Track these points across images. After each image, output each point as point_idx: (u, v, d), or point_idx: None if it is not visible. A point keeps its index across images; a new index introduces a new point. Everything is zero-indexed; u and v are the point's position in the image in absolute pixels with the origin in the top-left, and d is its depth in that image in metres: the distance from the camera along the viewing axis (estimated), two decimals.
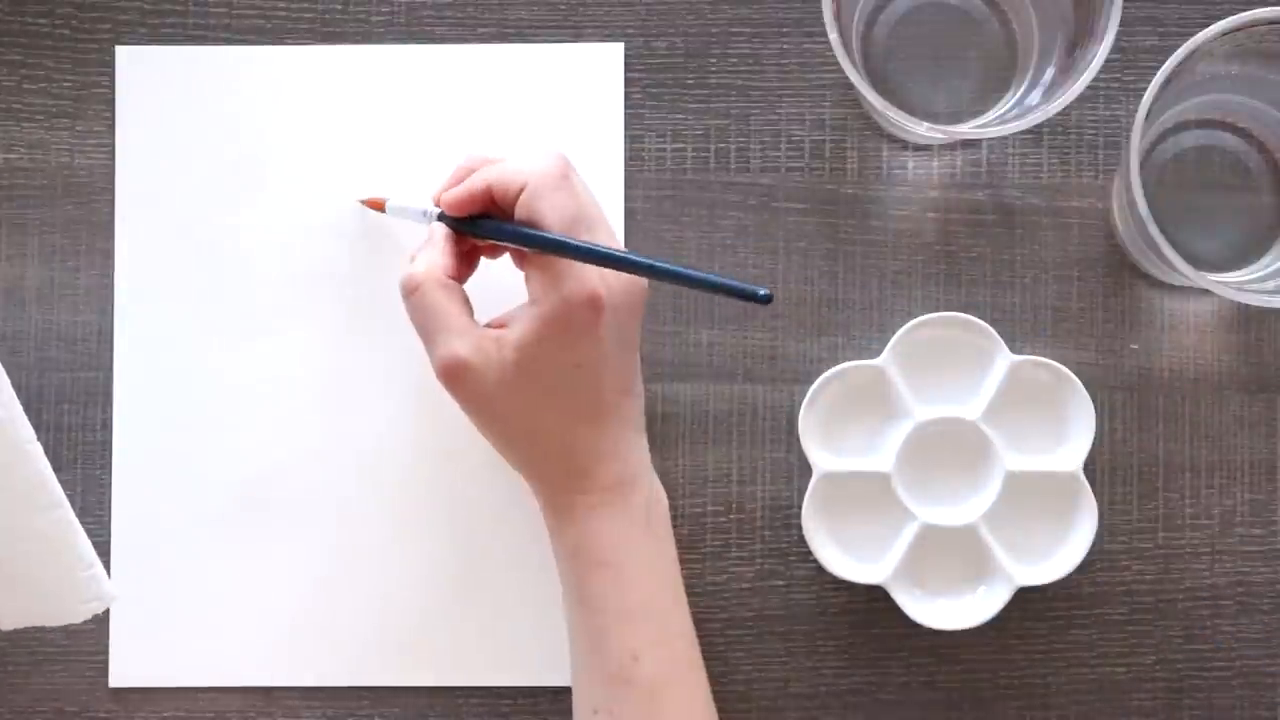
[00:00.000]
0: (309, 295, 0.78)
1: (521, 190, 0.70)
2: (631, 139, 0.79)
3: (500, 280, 0.74)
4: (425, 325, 0.71)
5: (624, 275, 0.71)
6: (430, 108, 0.78)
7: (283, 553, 0.78)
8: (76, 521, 0.74)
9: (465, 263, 0.73)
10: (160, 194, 0.79)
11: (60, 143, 0.79)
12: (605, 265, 0.69)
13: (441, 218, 0.73)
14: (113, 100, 0.79)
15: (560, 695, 0.77)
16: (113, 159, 0.79)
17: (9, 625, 0.74)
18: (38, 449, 0.73)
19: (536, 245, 0.69)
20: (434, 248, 0.72)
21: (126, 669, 0.78)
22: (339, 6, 0.79)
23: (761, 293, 0.65)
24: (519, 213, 0.70)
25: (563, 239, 0.69)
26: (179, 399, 0.78)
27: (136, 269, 0.78)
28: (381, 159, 0.78)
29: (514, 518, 0.78)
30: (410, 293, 0.71)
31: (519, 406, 0.70)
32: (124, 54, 0.79)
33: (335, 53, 0.79)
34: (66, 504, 0.74)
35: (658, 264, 0.68)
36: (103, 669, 0.78)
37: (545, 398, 0.70)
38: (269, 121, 0.79)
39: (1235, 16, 0.68)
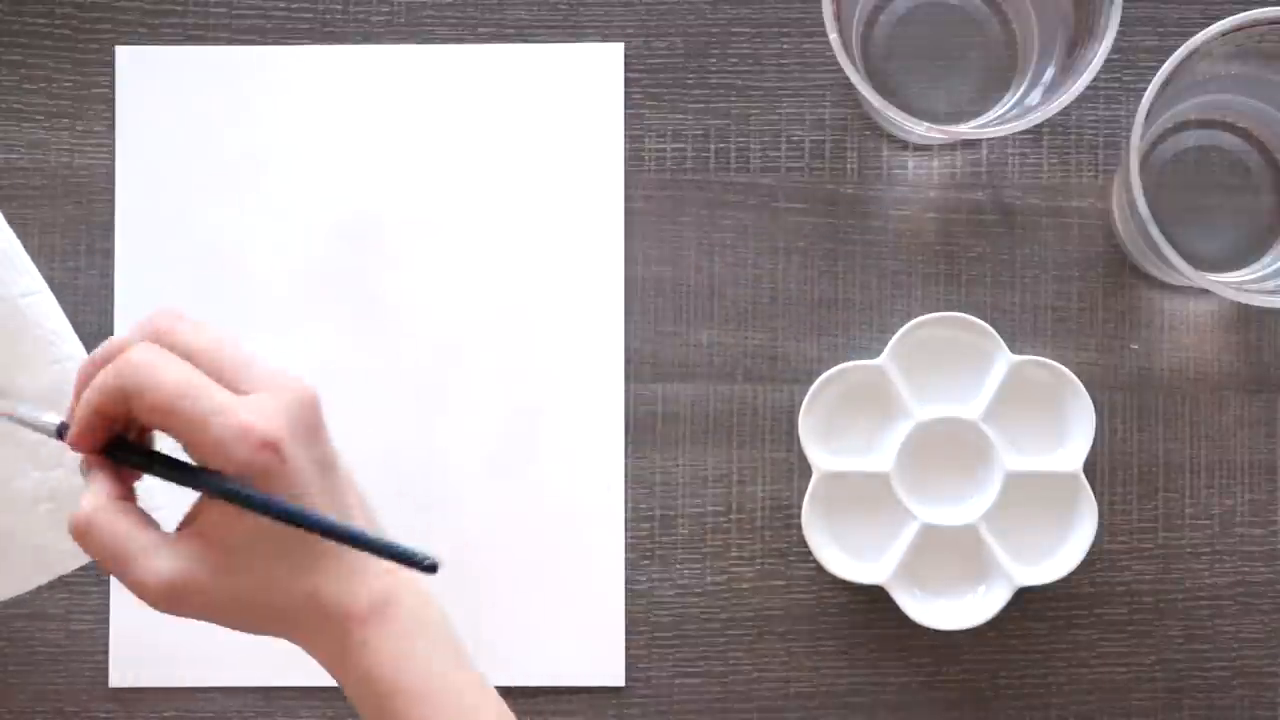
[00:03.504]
0: (309, 295, 0.78)
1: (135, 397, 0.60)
2: (631, 139, 0.79)
3: None
4: (116, 559, 0.61)
5: (289, 391, 0.62)
6: (430, 108, 0.78)
7: None
8: None
9: (127, 479, 0.64)
10: (160, 194, 0.79)
11: (60, 143, 0.79)
12: (247, 507, 0.60)
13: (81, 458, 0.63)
14: (113, 100, 0.79)
15: (560, 695, 0.77)
16: (113, 159, 0.79)
17: (74, 564, 0.73)
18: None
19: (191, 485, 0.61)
20: (94, 480, 0.62)
21: (126, 669, 0.78)
22: (339, 6, 0.79)
23: (425, 562, 0.60)
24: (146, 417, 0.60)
25: (219, 483, 0.60)
26: None
27: (136, 269, 0.78)
28: (381, 159, 0.78)
29: (513, 518, 0.78)
30: (83, 536, 0.61)
31: (247, 591, 0.62)
32: (124, 54, 0.79)
33: (335, 53, 0.79)
34: None
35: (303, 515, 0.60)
36: (103, 669, 0.78)
37: (267, 568, 0.62)
38: (269, 122, 0.79)
39: (1235, 16, 0.68)
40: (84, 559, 0.73)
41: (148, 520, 0.63)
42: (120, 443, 0.62)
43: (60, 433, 0.64)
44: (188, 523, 0.63)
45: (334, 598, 0.64)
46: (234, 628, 0.65)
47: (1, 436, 0.72)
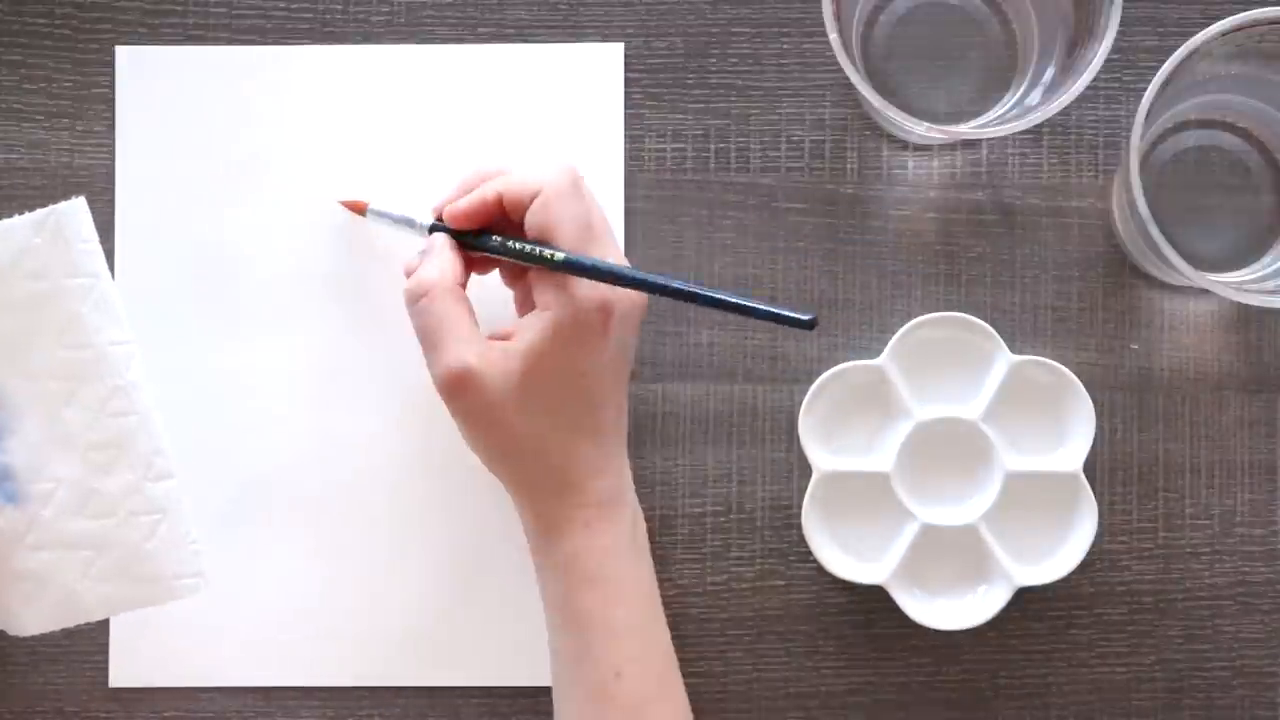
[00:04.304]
0: (309, 295, 0.78)
1: (534, 197, 0.70)
2: (631, 139, 0.79)
3: (488, 295, 0.75)
4: (431, 333, 0.70)
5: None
6: (430, 108, 0.78)
7: (283, 553, 0.78)
8: (183, 495, 0.75)
9: (467, 269, 0.73)
10: (160, 194, 0.79)
11: (60, 143, 0.79)
12: (623, 285, 0.69)
13: (434, 229, 0.73)
14: (113, 100, 0.79)
15: None
16: (113, 159, 0.79)
17: (101, 614, 0.75)
18: (159, 417, 0.75)
19: (547, 263, 0.69)
20: (441, 255, 0.71)
21: (126, 669, 0.78)
22: (339, 6, 0.79)
23: (805, 318, 0.66)
24: (531, 219, 0.70)
25: (578, 258, 0.69)
26: (179, 399, 0.78)
27: (136, 269, 0.78)
28: (382, 159, 0.78)
29: (514, 517, 0.77)
30: (418, 298, 0.70)
31: (521, 419, 0.69)
32: (124, 54, 0.79)
33: (335, 53, 0.79)
34: (177, 475, 0.75)
35: (682, 286, 0.69)
36: (103, 669, 0.78)
37: (547, 409, 0.70)
38: (269, 122, 0.79)
39: (1235, 16, 0.68)
40: (112, 611, 0.74)
41: (472, 312, 0.70)
42: (475, 236, 0.72)
43: (428, 230, 0.73)
44: (503, 337, 0.70)
45: (583, 472, 0.70)
46: (477, 445, 0.71)
47: (72, 483, 0.73)
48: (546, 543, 0.71)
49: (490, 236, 0.72)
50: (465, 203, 0.72)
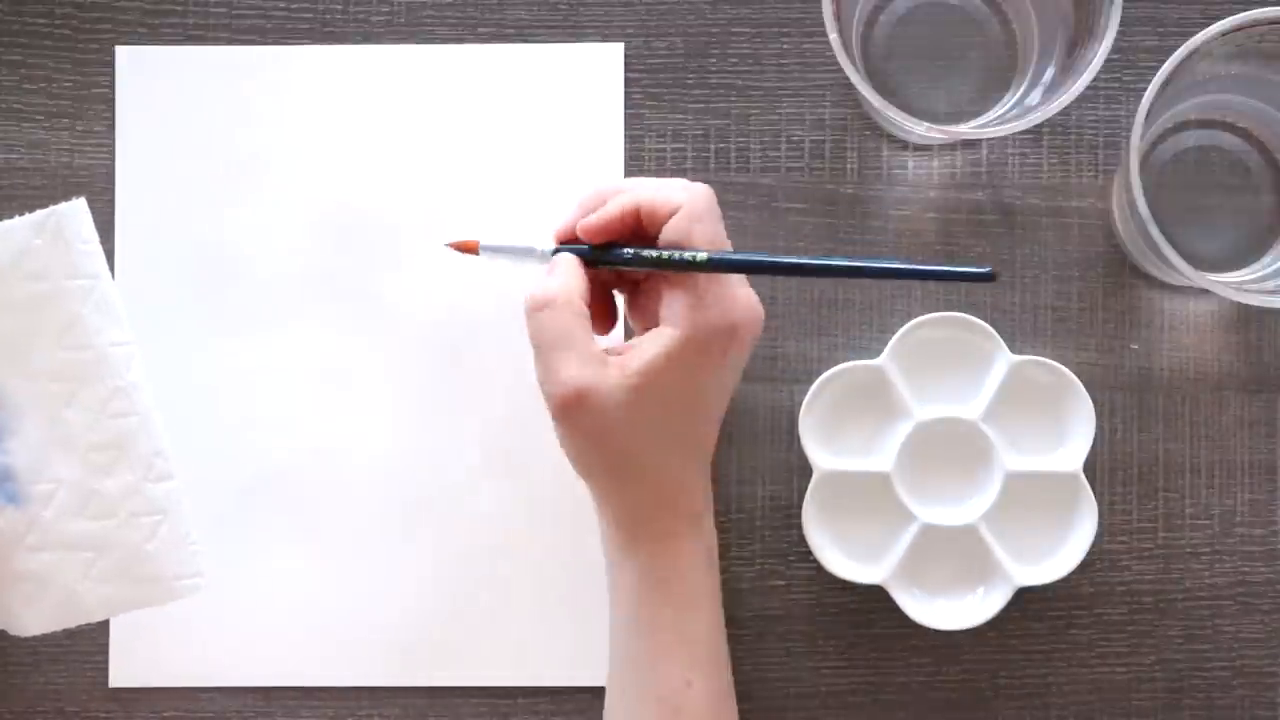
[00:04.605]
0: (309, 295, 0.78)
1: (672, 213, 0.68)
2: (631, 139, 0.79)
3: None
4: (549, 346, 0.68)
5: (754, 307, 0.70)
6: (430, 108, 0.79)
7: (282, 553, 0.78)
8: (183, 495, 0.75)
9: (599, 305, 0.71)
10: (160, 194, 0.79)
11: (60, 143, 0.79)
12: (776, 273, 0.69)
13: (558, 252, 0.71)
14: (113, 100, 0.79)
15: (561, 695, 0.77)
16: (113, 159, 0.79)
17: (102, 615, 0.75)
18: (160, 418, 0.75)
19: (690, 266, 0.68)
20: (568, 269, 0.70)
21: (126, 669, 0.78)
22: (339, 6, 0.79)
23: (984, 271, 0.65)
24: (668, 234, 0.68)
25: (724, 255, 0.68)
26: (179, 399, 0.78)
27: (136, 269, 0.78)
28: (382, 159, 0.78)
29: (515, 518, 0.78)
30: (540, 308, 0.68)
31: (628, 437, 0.68)
32: (124, 54, 0.79)
33: (335, 53, 0.79)
34: (177, 476, 0.75)
35: (846, 263, 0.68)
36: (103, 669, 0.78)
37: (655, 427, 0.69)
38: (269, 121, 0.79)
39: (1235, 16, 0.68)
40: (112, 611, 0.74)
41: (590, 328, 0.69)
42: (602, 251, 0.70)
43: (550, 254, 0.71)
44: (617, 352, 0.69)
45: (676, 486, 0.70)
46: (578, 459, 0.70)
47: (73, 484, 0.73)
48: (627, 548, 0.70)
49: (621, 249, 0.70)
50: (601, 216, 0.70)
